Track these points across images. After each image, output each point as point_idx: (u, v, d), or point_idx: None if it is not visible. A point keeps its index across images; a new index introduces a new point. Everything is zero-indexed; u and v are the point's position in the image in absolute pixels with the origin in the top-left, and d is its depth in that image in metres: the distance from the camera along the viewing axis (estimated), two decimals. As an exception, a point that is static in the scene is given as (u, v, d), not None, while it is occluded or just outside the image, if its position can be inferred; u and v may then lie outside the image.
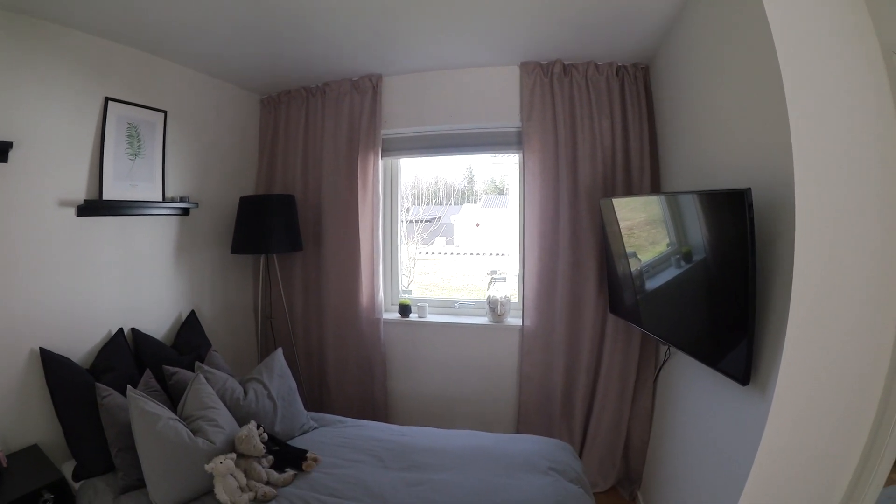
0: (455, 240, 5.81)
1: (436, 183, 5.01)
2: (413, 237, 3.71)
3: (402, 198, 3.22)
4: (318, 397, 2.85)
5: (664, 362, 2.29)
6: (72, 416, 1.86)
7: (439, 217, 4.27)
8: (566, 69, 2.53)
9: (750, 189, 1.20)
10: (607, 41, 2.31)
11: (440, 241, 5.23)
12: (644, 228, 1.97)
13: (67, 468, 1.85)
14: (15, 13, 1.80)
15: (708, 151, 1.76)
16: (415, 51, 2.48)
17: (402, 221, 3.00)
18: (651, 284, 1.94)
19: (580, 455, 2.56)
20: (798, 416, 1.20)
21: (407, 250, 3.60)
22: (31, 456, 1.80)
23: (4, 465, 1.68)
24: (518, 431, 2.57)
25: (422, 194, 4.40)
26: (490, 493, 1.76)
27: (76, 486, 1.81)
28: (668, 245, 1.81)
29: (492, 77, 2.63)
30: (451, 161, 4.29)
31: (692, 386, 1.93)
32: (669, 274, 1.81)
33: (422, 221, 3.76)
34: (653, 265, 1.94)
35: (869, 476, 1.19)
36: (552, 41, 2.38)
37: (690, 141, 1.98)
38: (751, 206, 1.19)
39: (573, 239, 2.48)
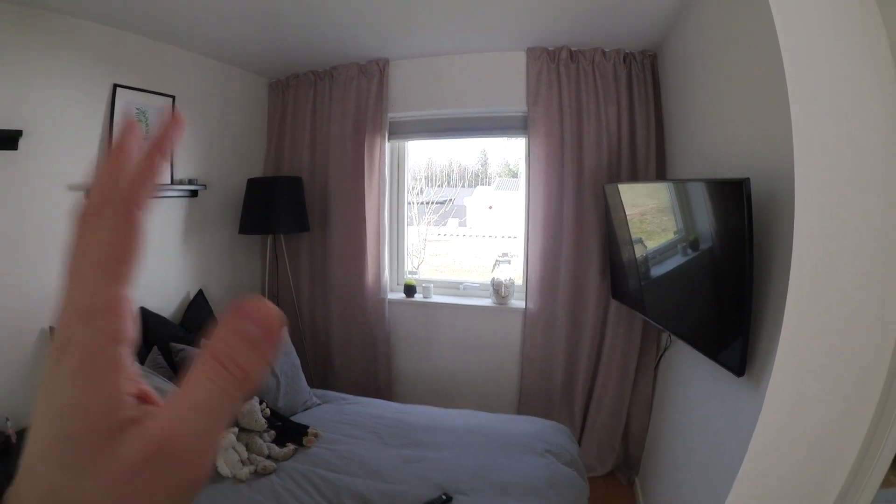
0: (468, 221, 5.79)
1: (449, 165, 4.98)
2: (424, 219, 3.69)
3: (413, 179, 3.19)
4: (323, 375, 2.89)
5: (665, 350, 2.27)
6: None
7: (451, 199, 4.25)
8: (573, 55, 2.47)
9: (748, 179, 1.16)
10: (614, 28, 2.24)
11: (453, 222, 5.22)
12: (648, 215, 1.93)
13: None
14: (25, 6, 1.81)
15: (713, 140, 1.71)
16: (422, 35, 2.44)
17: (409, 203, 2.99)
18: (654, 272, 1.90)
19: (580, 438, 2.54)
20: (791, 410, 1.16)
21: (417, 231, 3.59)
22: (40, 431, 1.84)
23: (14, 440, 1.73)
24: (519, 412, 2.56)
25: (435, 176, 4.38)
26: (485, 471, 1.77)
27: None
28: (671, 233, 1.77)
29: (498, 62, 2.58)
30: (465, 143, 4.25)
31: (691, 375, 1.90)
32: (672, 262, 1.78)
33: (433, 203, 3.74)
34: (656, 253, 1.90)
35: (864, 477, 1.14)
36: (559, 27, 2.31)
37: (696, 129, 1.92)
38: (749, 196, 1.15)
39: (577, 224, 2.45)
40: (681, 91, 2.10)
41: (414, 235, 3.51)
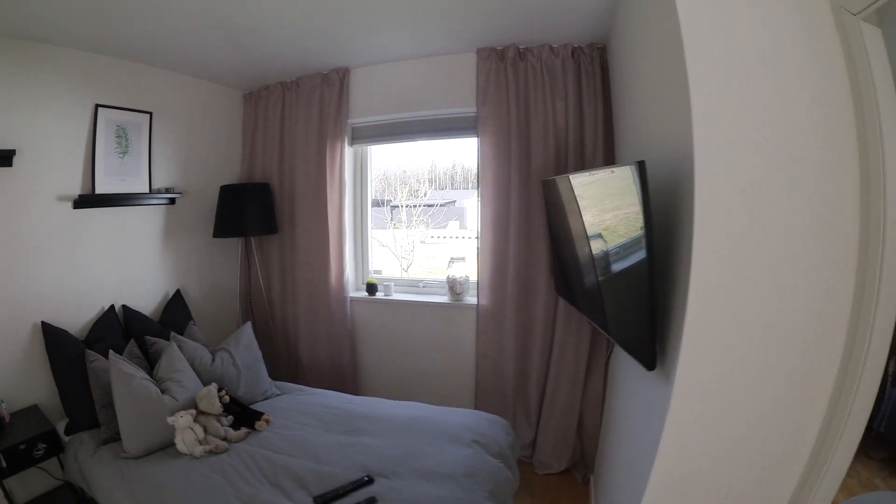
0: (467, 223, 5.85)
1: (453, 167, 5.07)
2: (414, 221, 3.79)
3: (416, 181, 3.21)
4: (293, 369, 3.06)
5: (613, 346, 2.26)
6: (66, 380, 2.14)
7: (444, 202, 4.31)
8: (522, 53, 2.51)
9: (643, 161, 1.11)
10: (558, 23, 2.28)
11: (454, 224, 5.31)
12: (570, 206, 1.90)
13: (62, 425, 2.15)
14: (12, 39, 2.08)
15: (648, 128, 1.68)
16: (378, 44, 2.56)
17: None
18: (579, 263, 1.86)
19: (535, 435, 2.59)
20: (701, 407, 1.08)
21: (407, 234, 3.70)
22: (31, 414, 2.08)
23: (7, 420, 1.97)
24: (476, 408, 2.63)
25: (439, 178, 4.48)
26: (409, 457, 1.89)
27: (66, 439, 2.10)
28: (589, 223, 1.71)
29: (451, 64, 2.66)
30: (467, 144, 4.27)
31: (629, 370, 1.87)
32: (591, 253, 1.74)
33: (421, 206, 3.85)
34: (580, 244, 1.85)
35: (812, 486, 1.05)
36: (506, 27, 2.37)
37: (637, 118, 1.88)
38: (644, 180, 1.11)
39: (525, 220, 2.49)
40: (624, 81, 2.09)
41: (403, 237, 3.62)
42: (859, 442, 1.01)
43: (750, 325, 1.03)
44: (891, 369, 3.16)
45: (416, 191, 3.87)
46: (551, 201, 2.22)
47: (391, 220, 3.58)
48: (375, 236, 3.40)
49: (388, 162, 3.87)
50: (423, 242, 3.70)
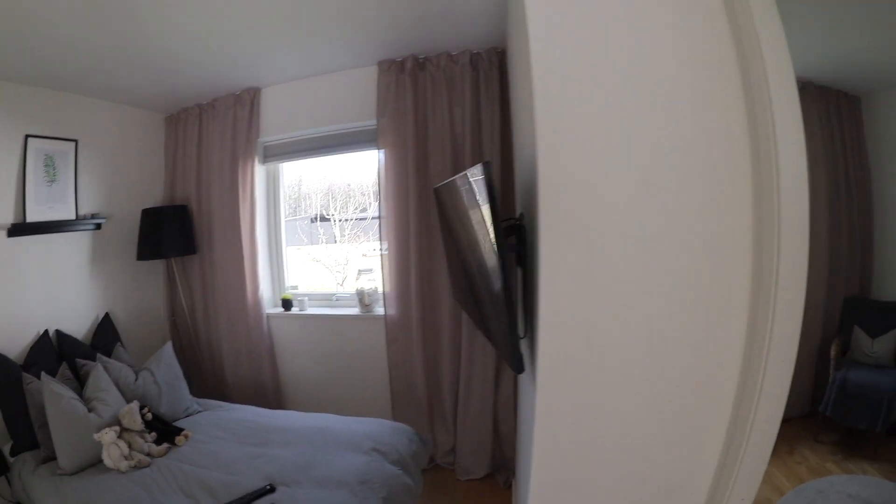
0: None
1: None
2: (347, 235, 3.84)
3: (361, 194, 3.29)
4: (219, 386, 3.27)
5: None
6: (7, 402, 2.49)
7: (375, 216, 4.31)
8: (421, 63, 2.64)
9: (488, 162, 1.22)
10: (455, 30, 2.54)
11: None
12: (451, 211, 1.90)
13: (8, 447, 2.43)
14: None
15: (524, 129, 1.73)
16: (283, 63, 2.87)
17: (285, 221, 3.50)
18: (458, 267, 1.95)
19: (455, 442, 2.86)
20: (573, 412, 1.07)
21: (341, 249, 3.74)
22: (-24, 438, 2.64)
23: None
24: (394, 418, 2.76)
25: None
26: (310, 466, 2.14)
27: (12, 459, 2.45)
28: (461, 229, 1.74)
29: (354, 79, 3.00)
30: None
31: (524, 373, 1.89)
32: (464, 255, 1.74)
33: (352, 220, 3.89)
34: (464, 248, 1.85)
35: (727, 485, 1.02)
36: (404, 37, 2.63)
37: (523, 119, 1.90)
38: (490, 180, 1.15)
39: (425, 229, 2.73)
40: (515, 82, 2.22)
41: (337, 252, 3.67)
42: (776, 436, 1.00)
43: (620, 323, 1.03)
44: (833, 353, 3.26)
45: (360, 204, 3.89)
46: (441, 209, 2.23)
47: (323, 234, 3.64)
48: (312, 252, 3.45)
49: (335, 176, 3.91)
50: (366, 256, 3.74)
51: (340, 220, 4.05)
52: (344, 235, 4.06)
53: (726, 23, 0.94)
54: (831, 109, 3.48)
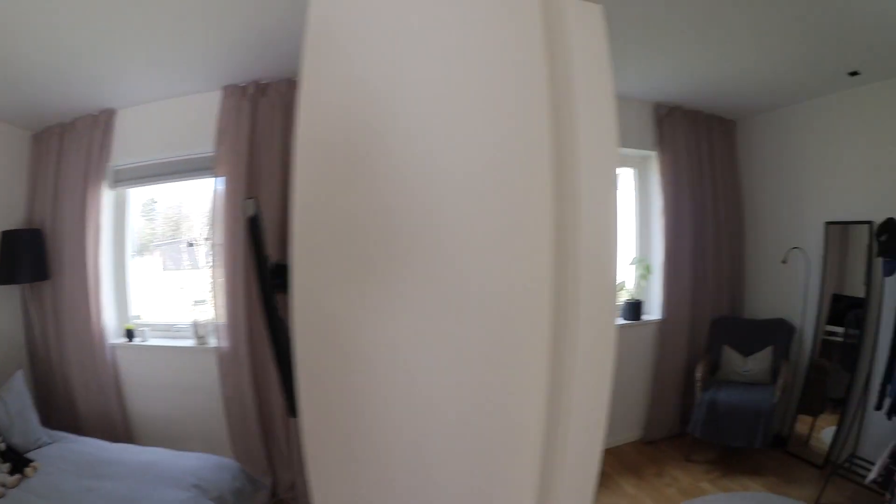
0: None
1: None
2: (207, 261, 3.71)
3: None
4: (73, 417, 3.25)
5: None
6: None
7: None
8: (263, 89, 2.55)
9: (253, 198, 1.27)
10: (293, 57, 2.27)
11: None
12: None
13: None
14: None
15: None
16: (133, 85, 2.81)
17: (129, 249, 3.35)
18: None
19: (294, 475, 2.75)
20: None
21: (203, 275, 3.61)
22: None
23: None
24: (233, 453, 2.78)
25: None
26: (132, 501, 2.15)
27: None
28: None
29: (200, 103, 2.94)
30: None
31: None
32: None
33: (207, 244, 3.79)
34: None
35: None
36: (245, 62, 2.45)
37: None
38: (255, 216, 1.18)
39: (251, 258, 2.48)
40: None
41: (201, 278, 3.58)
42: (599, 470, 0.94)
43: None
44: (699, 374, 3.28)
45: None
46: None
47: (187, 260, 3.57)
48: (177, 279, 3.39)
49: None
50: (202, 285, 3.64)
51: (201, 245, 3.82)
52: (208, 261, 3.93)
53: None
54: (701, 133, 3.44)
